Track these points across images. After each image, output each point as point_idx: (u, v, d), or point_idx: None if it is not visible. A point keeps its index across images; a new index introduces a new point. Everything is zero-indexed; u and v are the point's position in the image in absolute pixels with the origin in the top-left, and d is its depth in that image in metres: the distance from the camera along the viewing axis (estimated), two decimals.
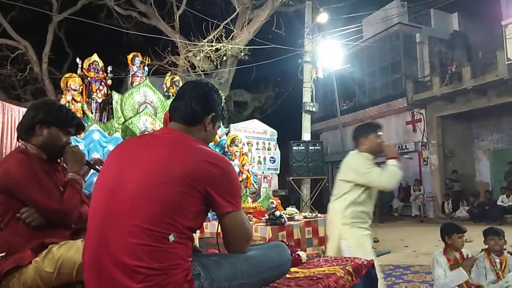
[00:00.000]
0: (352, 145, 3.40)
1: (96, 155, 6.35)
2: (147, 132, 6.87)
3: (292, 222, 5.47)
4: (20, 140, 1.96)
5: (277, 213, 5.47)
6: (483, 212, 11.25)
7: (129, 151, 1.40)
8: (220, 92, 1.66)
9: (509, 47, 11.08)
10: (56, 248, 1.72)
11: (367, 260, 1.73)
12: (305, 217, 5.96)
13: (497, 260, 3.28)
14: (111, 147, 6.70)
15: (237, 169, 8.18)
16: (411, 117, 14.52)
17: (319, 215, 6.38)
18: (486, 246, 3.38)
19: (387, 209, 14.81)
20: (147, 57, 8.57)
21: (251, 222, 5.21)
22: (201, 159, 1.31)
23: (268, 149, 11.23)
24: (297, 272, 1.61)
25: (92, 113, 7.28)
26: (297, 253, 1.81)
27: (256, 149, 10.81)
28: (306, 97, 9.86)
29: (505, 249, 3.38)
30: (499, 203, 11.31)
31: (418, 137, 14.32)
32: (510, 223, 10.11)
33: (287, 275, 1.54)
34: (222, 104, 1.56)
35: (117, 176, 1.33)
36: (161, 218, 1.23)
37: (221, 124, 1.64)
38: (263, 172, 10.88)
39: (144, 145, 1.40)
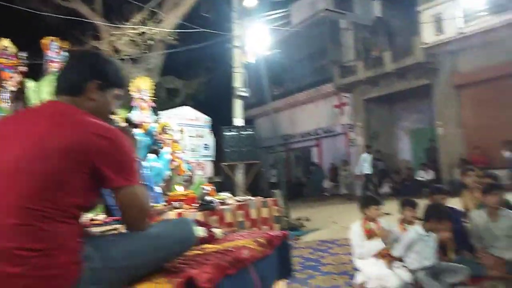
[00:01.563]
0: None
1: None
2: None
3: (223, 206, 5.50)
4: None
5: (208, 198, 5.47)
6: (404, 188, 12.15)
7: (6, 128, 1.29)
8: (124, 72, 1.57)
9: (424, 32, 11.94)
10: None
11: (281, 232, 1.77)
12: (237, 201, 6.03)
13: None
14: None
15: (169, 157, 8.02)
16: (338, 101, 15.18)
17: (252, 198, 6.49)
18: (404, 215, 3.62)
19: (318, 189, 15.46)
20: (67, 42, 8.01)
21: (182, 210, 5.16)
22: (86, 131, 1.22)
23: (201, 136, 11.12)
24: (209, 248, 1.61)
25: (5, 103, 6.68)
26: (211, 230, 1.81)
27: (189, 136, 10.65)
28: (237, 82, 9.87)
29: (418, 219, 3.64)
30: (417, 178, 12.29)
31: (345, 120, 15.03)
32: (425, 196, 10.99)
33: (199, 251, 1.53)
34: (113, 70, 1.44)
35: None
36: (42, 195, 1.14)
37: (120, 93, 1.47)
38: (197, 160, 10.77)
39: (22, 119, 1.30)
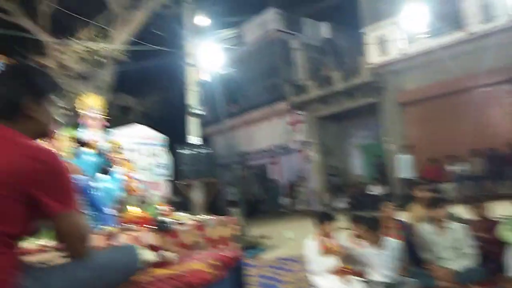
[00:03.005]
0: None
1: None
2: None
3: (179, 227, 5.34)
4: None
5: (162, 219, 5.29)
6: (358, 202, 12.48)
7: None
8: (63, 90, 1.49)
9: (369, 52, 12.55)
10: None
11: (235, 252, 1.73)
12: (194, 221, 5.88)
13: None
14: None
15: (121, 177, 7.74)
16: (292, 119, 15.47)
17: (209, 217, 6.37)
18: (355, 231, 3.68)
19: (276, 205, 15.53)
20: (8, 58, 7.60)
21: (135, 232, 4.95)
22: (23, 155, 1.15)
23: (155, 155, 10.84)
24: (161, 272, 1.54)
25: None
26: (163, 253, 1.73)
27: (142, 155, 10.35)
28: (191, 100, 9.79)
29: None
30: (369, 192, 12.67)
31: (300, 137, 15.32)
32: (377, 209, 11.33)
33: (149, 277, 1.45)
34: (42, 77, 1.36)
35: None
36: None
37: (55, 97, 1.41)
38: (152, 179, 10.47)
39: None
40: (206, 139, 15.60)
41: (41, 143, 1.35)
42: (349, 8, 13.21)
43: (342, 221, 3.78)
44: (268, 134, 16.35)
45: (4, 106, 1.26)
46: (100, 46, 8.71)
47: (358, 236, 3.58)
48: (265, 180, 17.25)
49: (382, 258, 3.18)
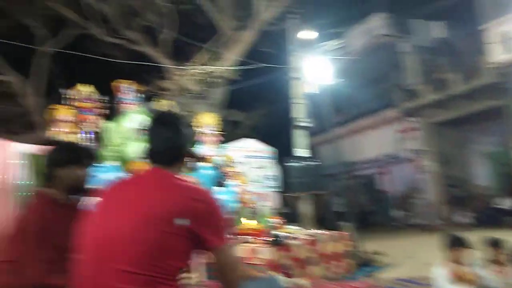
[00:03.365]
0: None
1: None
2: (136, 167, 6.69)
3: (292, 241, 5.41)
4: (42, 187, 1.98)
5: (277, 232, 5.42)
6: (483, 216, 11.23)
7: (116, 196, 1.38)
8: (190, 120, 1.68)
9: (489, 51, 11.28)
10: None
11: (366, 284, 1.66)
12: (306, 235, 5.90)
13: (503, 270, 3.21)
14: (101, 176, 6.63)
15: (235, 189, 8.11)
16: (403, 126, 14.61)
17: (321, 232, 6.33)
18: (490, 256, 3.30)
19: (387, 218, 14.76)
20: (137, 83, 8.56)
21: (252, 245, 5.14)
22: (184, 196, 1.30)
23: (265, 167, 11.17)
24: None
25: (86, 143, 7.22)
26: (298, 282, 1.75)
27: (253, 167, 10.74)
28: (298, 113, 9.90)
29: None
30: (498, 206, 11.31)
31: (412, 145, 14.38)
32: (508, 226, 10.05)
33: None
34: (190, 131, 1.55)
35: (105, 221, 1.31)
36: (149, 261, 1.21)
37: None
38: (261, 191, 10.79)
39: (129, 188, 1.39)
40: (313, 149, 15.59)
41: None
42: (466, 4, 12.10)
43: (471, 241, 3.38)
44: (377, 142, 15.68)
45: (168, 156, 1.44)
46: (214, 68, 9.33)
47: (496, 262, 3.21)
48: (374, 190, 16.53)
49: None
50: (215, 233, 1.30)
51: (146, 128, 1.50)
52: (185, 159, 1.48)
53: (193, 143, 1.54)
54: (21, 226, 1.78)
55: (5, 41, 10.79)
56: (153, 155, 1.45)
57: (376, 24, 14.15)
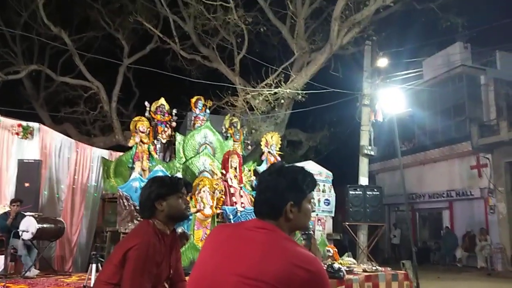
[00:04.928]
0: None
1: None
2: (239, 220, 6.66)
3: (351, 276, 5.29)
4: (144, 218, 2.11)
5: (336, 265, 5.32)
6: None
7: (224, 246, 1.40)
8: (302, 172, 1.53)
9: None
10: None
11: None
12: (364, 270, 5.75)
13: None
14: None
15: None
16: (476, 162, 13.73)
17: (379, 268, 6.12)
18: None
19: (450, 258, 13.87)
20: (208, 100, 8.94)
21: None
22: (291, 263, 1.25)
23: (323, 191, 11.05)
24: None
25: (156, 153, 7.66)
26: None
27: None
28: (364, 140, 9.73)
29: None
30: None
31: (484, 183, 13.46)
32: None
33: None
34: (307, 182, 1.44)
35: (212, 273, 1.34)
36: None
37: (312, 198, 1.62)
38: (317, 215, 10.69)
39: (238, 241, 1.39)
40: (372, 176, 15.13)
41: None
42: None
43: None
44: (445, 176, 14.83)
45: (269, 209, 1.40)
46: (282, 90, 9.47)
47: None
48: (438, 226, 15.61)
49: None
50: None
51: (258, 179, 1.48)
52: (290, 214, 1.39)
53: (302, 196, 1.42)
54: (128, 252, 1.88)
55: (93, 55, 11.78)
56: (256, 206, 1.43)
57: (456, 53, 13.54)
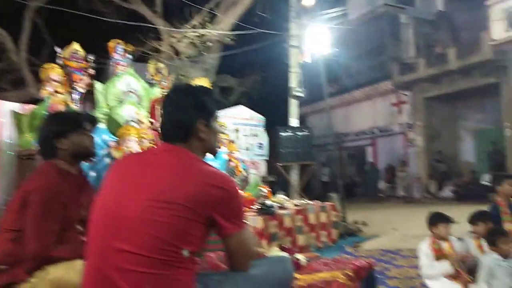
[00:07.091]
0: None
1: None
2: (148, 144, 6.48)
3: (283, 211, 5.48)
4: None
5: (268, 202, 5.47)
6: (468, 192, 11.48)
7: (130, 172, 1.32)
8: (206, 87, 1.51)
9: (493, 27, 11.14)
10: (54, 269, 1.66)
11: (367, 262, 1.70)
12: (295, 205, 5.99)
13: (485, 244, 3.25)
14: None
15: (225, 157, 8.11)
16: (396, 99, 14.61)
17: (310, 202, 6.42)
18: (473, 231, 3.35)
19: (373, 190, 15.04)
20: (129, 44, 8.31)
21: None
22: (204, 182, 1.24)
23: (255, 135, 11.15)
24: (298, 279, 1.58)
25: (74, 104, 7.08)
26: (296, 257, 1.78)
27: (244, 135, 10.71)
28: (293, 82, 9.78)
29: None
30: (482, 182, 11.54)
31: (404, 118, 14.45)
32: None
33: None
34: (212, 101, 1.43)
35: (118, 199, 1.26)
36: (164, 246, 1.18)
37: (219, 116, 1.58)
38: (251, 159, 10.84)
39: (146, 165, 1.31)
40: (302, 119, 15.56)
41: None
42: None
43: (449, 212, 3.43)
44: (368, 115, 15.69)
45: (179, 130, 1.35)
46: (209, 31, 9.06)
47: (479, 238, 3.28)
48: (362, 162, 16.73)
49: (508, 270, 2.86)
50: (231, 220, 1.28)
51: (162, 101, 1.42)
52: (202, 133, 1.36)
53: (210, 114, 1.39)
54: (27, 196, 1.74)
55: None
56: (163, 130, 1.39)
57: None
